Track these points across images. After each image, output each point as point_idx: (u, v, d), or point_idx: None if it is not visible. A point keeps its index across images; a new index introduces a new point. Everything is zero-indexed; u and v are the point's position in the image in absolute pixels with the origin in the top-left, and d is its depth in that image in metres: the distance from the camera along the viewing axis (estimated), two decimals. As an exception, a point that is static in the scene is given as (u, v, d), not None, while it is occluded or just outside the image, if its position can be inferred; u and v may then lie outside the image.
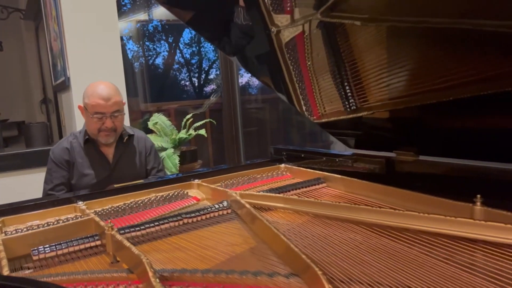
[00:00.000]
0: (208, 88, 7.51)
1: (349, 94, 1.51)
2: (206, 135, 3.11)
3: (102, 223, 1.10)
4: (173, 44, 7.37)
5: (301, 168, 1.63)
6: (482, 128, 1.15)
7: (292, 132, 4.36)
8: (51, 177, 1.82)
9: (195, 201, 1.42)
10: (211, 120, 3.41)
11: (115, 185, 1.48)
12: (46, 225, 1.17)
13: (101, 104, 1.74)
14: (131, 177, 1.86)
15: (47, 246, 1.03)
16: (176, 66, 7.42)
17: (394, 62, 1.32)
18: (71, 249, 1.04)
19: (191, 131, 3.10)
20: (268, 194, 1.28)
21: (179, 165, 2.87)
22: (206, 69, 7.67)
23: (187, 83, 7.34)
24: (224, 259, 0.95)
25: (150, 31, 6.95)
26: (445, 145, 1.25)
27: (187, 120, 3.17)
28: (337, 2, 1.35)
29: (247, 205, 1.14)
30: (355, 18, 1.34)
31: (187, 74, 7.41)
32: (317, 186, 1.45)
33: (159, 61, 7.19)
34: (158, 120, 3.11)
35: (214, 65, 7.61)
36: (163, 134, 3.05)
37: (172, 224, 1.18)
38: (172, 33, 7.15)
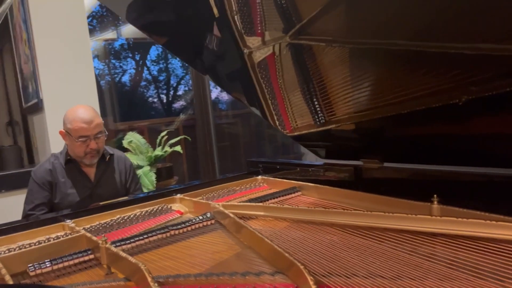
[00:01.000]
0: (177, 105, 7.56)
1: (318, 108, 1.64)
2: (182, 152, 3.18)
3: (94, 238, 1.16)
4: (140, 62, 7.41)
5: (277, 179, 1.74)
6: (436, 135, 1.29)
7: (264, 145, 4.48)
8: (32, 197, 1.85)
9: (178, 215, 1.50)
10: (185, 136, 3.49)
11: (101, 203, 1.54)
12: (38, 243, 1.22)
13: (84, 127, 1.81)
14: (111, 195, 1.92)
15: (42, 262, 1.08)
16: (143, 83, 7.44)
17: (357, 80, 1.45)
18: (66, 263, 1.10)
19: (167, 148, 3.17)
20: (249, 203, 1.38)
21: (155, 182, 2.92)
22: (174, 86, 7.72)
23: (155, 100, 7.37)
24: (213, 264, 1.03)
25: (116, 49, 6.94)
26: (405, 152, 1.39)
27: (162, 137, 3.24)
28: (304, 26, 1.48)
29: (231, 215, 1.23)
30: (320, 40, 1.48)
31: (155, 91, 7.44)
32: (293, 195, 1.56)
33: (125, 78, 7.18)
34: (133, 138, 3.16)
35: (183, 81, 7.68)
36: (138, 152, 3.10)
37: (160, 236, 1.25)
38: (139, 50, 7.19)
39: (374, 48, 1.33)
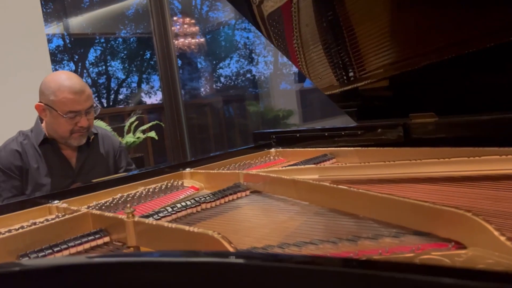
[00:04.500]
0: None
1: (348, 64, 1.42)
2: (157, 138, 2.83)
3: (109, 214, 0.85)
4: (79, 64, 6.87)
5: (298, 149, 1.49)
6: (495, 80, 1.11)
7: (234, 134, 4.20)
8: None
9: (193, 191, 1.20)
10: (158, 122, 3.12)
11: (93, 180, 1.20)
12: (21, 228, 0.88)
13: (74, 100, 1.40)
14: None
15: (39, 249, 0.76)
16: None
17: (399, 24, 1.25)
18: (72, 250, 0.78)
19: (139, 134, 2.79)
20: (299, 166, 1.12)
21: (127, 173, 2.56)
22: (115, 89, 7.24)
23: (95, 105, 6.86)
24: (288, 233, 0.77)
25: (51, 50, 6.29)
26: (463, 102, 1.19)
27: (132, 123, 2.86)
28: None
29: (295, 178, 0.96)
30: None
31: (94, 96, 6.92)
32: (327, 162, 1.32)
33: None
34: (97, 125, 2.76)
35: (124, 83, 7.21)
36: (104, 140, 2.72)
37: (189, 210, 0.96)
38: (77, 51, 6.68)
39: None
